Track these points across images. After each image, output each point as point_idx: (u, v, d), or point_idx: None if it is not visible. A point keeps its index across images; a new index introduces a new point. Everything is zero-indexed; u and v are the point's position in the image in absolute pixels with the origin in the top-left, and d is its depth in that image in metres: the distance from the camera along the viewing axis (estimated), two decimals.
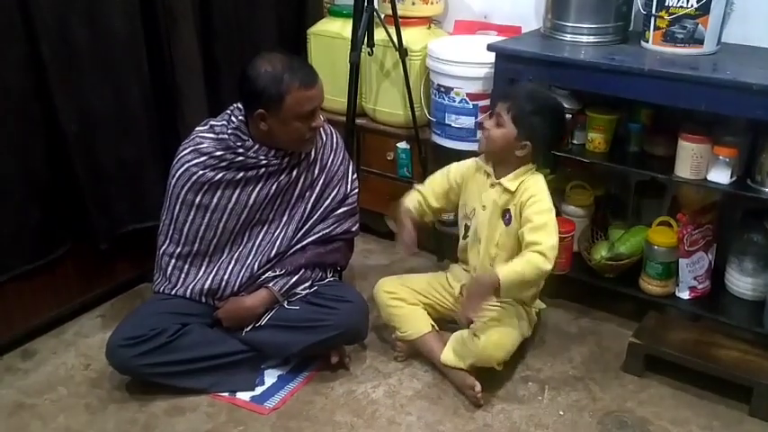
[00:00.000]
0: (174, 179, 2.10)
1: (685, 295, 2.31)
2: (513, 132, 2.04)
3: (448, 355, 2.11)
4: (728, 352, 2.10)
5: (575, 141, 2.41)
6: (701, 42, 2.15)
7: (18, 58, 2.03)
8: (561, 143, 2.32)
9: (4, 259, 2.14)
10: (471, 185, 2.22)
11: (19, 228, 2.15)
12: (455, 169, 2.27)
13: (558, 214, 2.47)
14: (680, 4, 2.12)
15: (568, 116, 2.32)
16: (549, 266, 1.99)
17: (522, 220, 2.07)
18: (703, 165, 2.13)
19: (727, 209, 2.38)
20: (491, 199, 2.13)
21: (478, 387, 2.03)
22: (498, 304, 2.15)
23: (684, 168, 2.15)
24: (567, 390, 2.13)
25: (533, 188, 2.07)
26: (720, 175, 2.11)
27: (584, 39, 2.32)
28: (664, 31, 2.18)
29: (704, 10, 2.10)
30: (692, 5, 2.11)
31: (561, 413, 2.04)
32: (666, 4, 2.14)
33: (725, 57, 2.17)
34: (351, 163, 2.32)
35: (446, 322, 2.28)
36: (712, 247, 2.32)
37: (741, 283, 2.29)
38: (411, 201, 2.26)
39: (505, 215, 2.12)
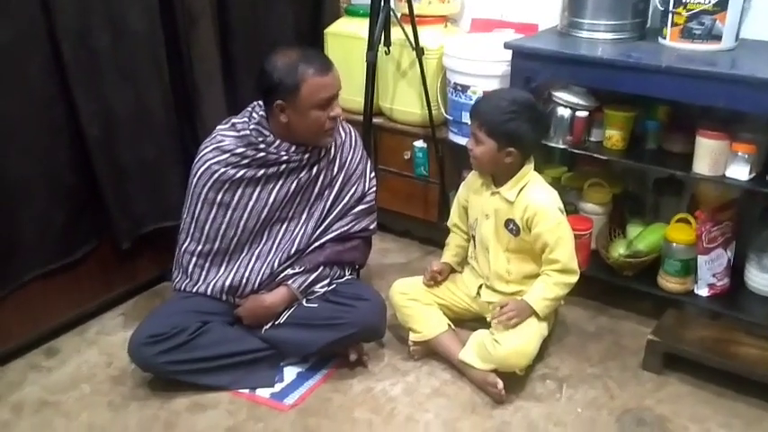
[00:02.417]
0: (196, 177, 2.13)
1: (704, 292, 2.30)
2: (492, 145, 2.04)
3: (467, 354, 2.12)
4: (748, 349, 2.09)
5: (592, 139, 2.41)
6: (718, 39, 2.14)
7: (40, 61, 2.06)
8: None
9: (29, 259, 2.18)
10: (474, 196, 2.24)
11: (43, 228, 2.18)
12: (461, 190, 2.33)
13: (575, 212, 2.49)
14: (697, 0, 2.11)
15: (584, 114, 2.33)
16: (575, 277, 2.12)
17: (533, 237, 2.10)
18: (722, 161, 2.12)
19: (745, 205, 2.36)
20: (493, 208, 2.15)
21: (500, 384, 2.04)
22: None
23: (703, 165, 2.14)
24: (585, 387, 2.13)
25: (536, 203, 2.08)
26: (739, 172, 2.10)
27: (601, 36, 2.31)
28: (681, 27, 2.17)
29: (722, 6, 2.10)
30: (709, 2, 2.10)
31: (579, 411, 2.04)
32: (684, 0, 2.13)
33: (743, 53, 2.16)
34: (369, 161, 2.34)
35: (464, 321, 2.29)
36: (731, 244, 2.31)
37: (760, 279, 2.28)
38: (451, 248, 2.36)
39: (509, 224, 2.13)
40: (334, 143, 2.20)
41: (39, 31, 2.03)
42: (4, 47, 1.96)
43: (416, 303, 2.25)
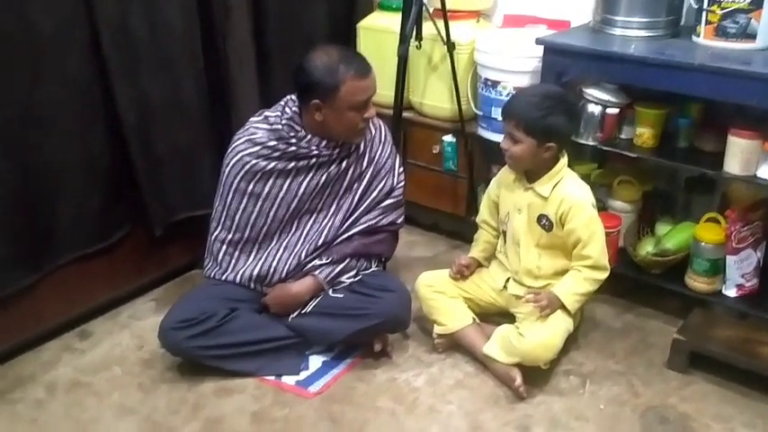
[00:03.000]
0: (228, 168, 2.17)
1: (732, 293, 2.28)
2: (532, 143, 2.05)
3: (491, 348, 2.13)
4: None
5: (622, 136, 2.40)
6: (753, 37, 2.12)
7: (80, 49, 2.12)
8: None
9: (66, 242, 2.24)
10: (506, 192, 2.24)
11: (79, 212, 2.24)
12: (492, 184, 2.33)
13: (604, 209, 2.48)
14: None
15: (615, 111, 2.32)
16: (605, 273, 2.14)
17: (566, 232, 2.10)
18: (753, 161, 2.10)
19: None
20: (526, 203, 2.16)
21: (519, 380, 2.05)
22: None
23: (734, 164, 2.13)
24: (608, 384, 2.13)
25: (571, 197, 2.09)
26: None
27: (634, 33, 2.30)
28: (715, 25, 2.15)
29: (757, 4, 2.07)
30: (744, 0, 2.08)
31: (602, 407, 2.05)
32: None
33: None
34: (398, 156, 2.36)
35: (489, 315, 2.30)
36: (761, 245, 2.28)
37: None
38: (479, 244, 2.37)
39: (542, 220, 2.14)
40: (364, 138, 2.22)
41: (79, 21, 2.09)
42: (46, 36, 2.01)
43: (442, 296, 2.26)
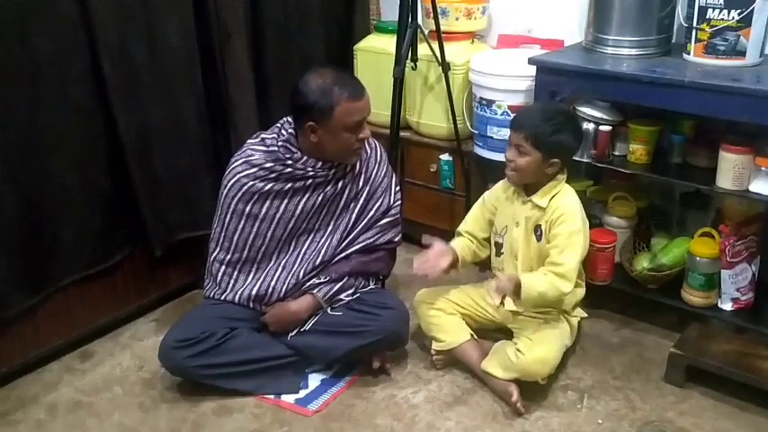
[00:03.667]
0: (226, 189, 2.20)
1: (728, 307, 2.29)
2: (538, 157, 2.07)
3: (489, 364, 2.14)
4: None
5: (616, 153, 2.43)
6: (743, 54, 2.15)
7: (81, 74, 2.16)
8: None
9: (67, 264, 2.26)
10: (503, 204, 2.26)
11: (80, 234, 2.27)
12: (489, 195, 2.33)
13: (599, 225, 2.50)
14: (721, 16, 2.13)
15: (608, 128, 2.35)
16: (569, 289, 2.08)
17: (549, 236, 2.11)
18: (745, 176, 2.13)
19: None
20: (524, 215, 2.17)
21: (516, 396, 2.06)
22: (541, 316, 2.19)
23: (726, 180, 2.15)
24: (606, 399, 2.14)
25: (564, 206, 2.11)
26: (763, 186, 2.10)
27: (626, 51, 2.34)
28: (705, 43, 2.19)
29: (746, 22, 2.11)
30: (733, 18, 2.12)
31: (600, 422, 2.05)
32: (708, 16, 2.15)
33: None
34: (394, 175, 2.38)
35: (487, 332, 2.32)
36: (756, 259, 2.30)
37: None
38: (458, 244, 2.31)
39: (537, 230, 2.16)
40: (360, 158, 2.25)
41: (80, 45, 2.13)
42: (47, 59, 2.06)
43: (440, 313, 2.28)
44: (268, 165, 2.16)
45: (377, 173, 2.31)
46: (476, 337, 2.26)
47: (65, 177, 2.18)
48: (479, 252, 2.34)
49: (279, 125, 2.22)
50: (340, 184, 2.23)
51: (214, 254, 2.26)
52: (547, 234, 2.13)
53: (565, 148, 2.10)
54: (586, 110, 2.37)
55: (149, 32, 2.27)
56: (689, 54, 2.25)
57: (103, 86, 2.20)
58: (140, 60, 2.27)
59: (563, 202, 2.12)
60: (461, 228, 2.38)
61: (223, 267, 2.24)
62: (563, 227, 2.09)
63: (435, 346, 2.26)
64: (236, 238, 2.21)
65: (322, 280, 2.22)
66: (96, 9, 2.11)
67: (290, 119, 2.20)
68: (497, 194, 2.30)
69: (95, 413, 2.13)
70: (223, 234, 2.23)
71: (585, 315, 2.32)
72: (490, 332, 2.33)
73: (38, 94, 2.06)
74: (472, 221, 2.36)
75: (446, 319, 2.27)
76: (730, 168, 2.13)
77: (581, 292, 2.27)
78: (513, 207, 2.22)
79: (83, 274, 2.31)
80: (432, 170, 2.82)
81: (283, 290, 2.23)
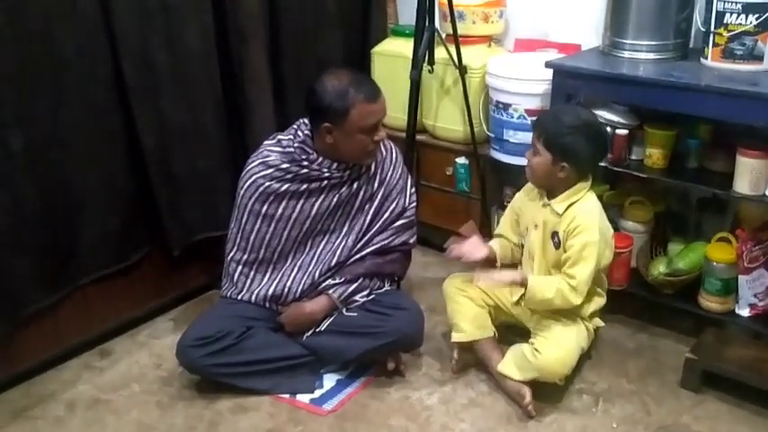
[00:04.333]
0: (243, 190, 2.22)
1: (745, 312, 2.28)
2: (548, 158, 2.07)
3: (506, 366, 2.14)
4: None
5: (633, 157, 2.42)
6: (760, 59, 2.14)
7: (104, 77, 2.19)
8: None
9: (86, 263, 2.30)
10: (527, 206, 2.26)
11: (100, 234, 2.30)
12: (516, 197, 2.33)
13: (615, 230, 2.49)
14: (739, 21, 2.13)
15: (624, 132, 2.35)
16: (578, 301, 2.09)
17: (565, 246, 2.11)
18: (762, 180, 2.12)
19: None
20: (542, 219, 2.17)
21: (528, 398, 2.06)
22: (559, 319, 2.18)
23: (743, 184, 2.14)
24: (621, 403, 2.14)
25: (582, 216, 2.09)
26: None
27: (643, 56, 2.34)
28: (723, 47, 2.18)
29: (764, 27, 2.10)
30: (750, 23, 2.11)
31: (615, 426, 2.05)
32: (725, 21, 2.15)
33: None
34: (409, 177, 2.40)
35: (503, 335, 2.30)
36: None
37: None
38: (497, 242, 2.33)
39: (554, 237, 2.15)
40: (375, 159, 2.27)
41: (102, 48, 2.17)
42: (70, 62, 2.09)
43: (470, 302, 2.25)
44: (284, 166, 2.18)
45: (392, 174, 2.33)
46: (497, 335, 2.25)
47: (85, 177, 2.22)
48: (516, 254, 2.34)
49: (295, 126, 2.25)
50: (355, 185, 2.25)
51: (231, 254, 2.28)
52: (564, 243, 2.13)
53: (575, 153, 2.05)
54: (603, 113, 2.36)
55: (170, 36, 2.30)
56: (706, 58, 2.24)
57: (124, 88, 2.23)
58: (160, 63, 2.30)
59: (580, 212, 2.10)
60: (497, 230, 2.39)
61: (240, 267, 2.27)
62: (578, 239, 2.08)
63: (455, 336, 2.24)
64: (252, 238, 2.23)
65: (337, 281, 2.24)
66: (118, 13, 2.15)
67: (306, 120, 2.22)
68: (522, 195, 2.30)
69: (113, 410, 2.16)
70: (240, 234, 2.25)
71: (602, 324, 2.28)
72: (507, 336, 2.31)
73: (60, 95, 2.10)
74: (504, 224, 2.37)
75: (474, 309, 2.24)
76: (747, 173, 2.12)
77: (601, 300, 2.25)
78: (534, 209, 2.22)
79: (102, 273, 2.35)
80: (447, 173, 2.83)
81: (299, 290, 2.25)
